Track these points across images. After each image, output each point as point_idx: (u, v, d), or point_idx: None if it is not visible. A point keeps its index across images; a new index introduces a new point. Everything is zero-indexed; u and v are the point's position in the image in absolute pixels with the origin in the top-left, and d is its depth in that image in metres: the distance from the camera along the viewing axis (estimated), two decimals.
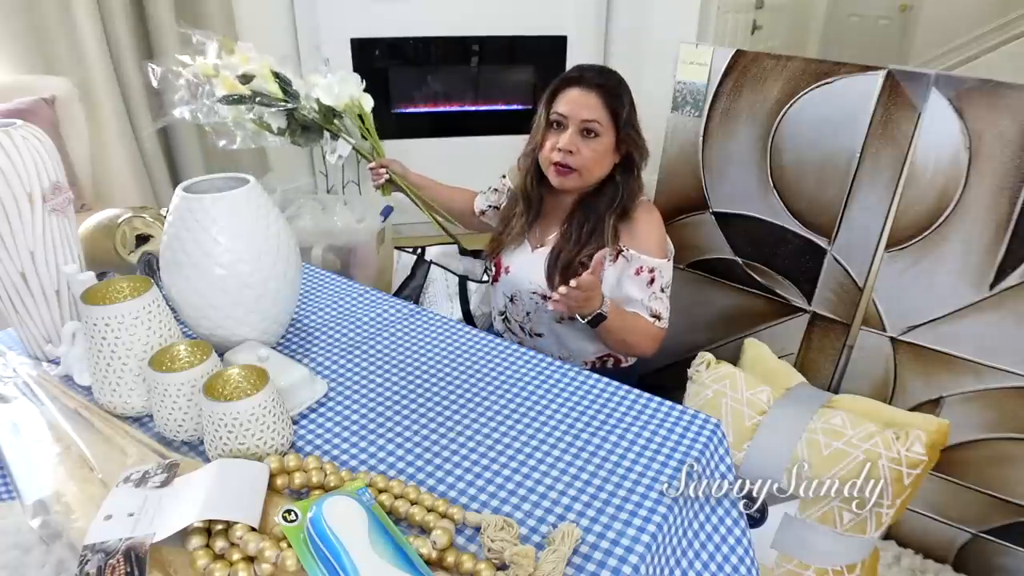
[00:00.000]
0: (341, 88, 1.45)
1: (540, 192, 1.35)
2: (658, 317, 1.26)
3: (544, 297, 1.32)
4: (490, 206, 1.55)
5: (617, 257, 1.26)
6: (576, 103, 1.23)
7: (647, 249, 1.25)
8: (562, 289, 1.09)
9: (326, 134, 1.51)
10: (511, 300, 1.40)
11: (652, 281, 1.25)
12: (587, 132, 1.23)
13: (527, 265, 1.35)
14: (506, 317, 1.43)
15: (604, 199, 1.27)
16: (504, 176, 1.51)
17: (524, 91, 3.30)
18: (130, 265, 1.19)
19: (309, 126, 1.47)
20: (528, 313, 1.38)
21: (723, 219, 1.54)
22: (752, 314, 1.57)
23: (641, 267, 1.24)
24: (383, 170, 1.52)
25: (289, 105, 1.39)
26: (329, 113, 1.48)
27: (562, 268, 1.27)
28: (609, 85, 1.24)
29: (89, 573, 0.63)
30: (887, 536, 1.52)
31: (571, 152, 1.22)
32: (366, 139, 1.57)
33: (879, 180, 1.30)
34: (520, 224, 1.36)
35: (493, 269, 1.42)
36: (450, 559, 0.69)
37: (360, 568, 0.63)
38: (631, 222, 1.27)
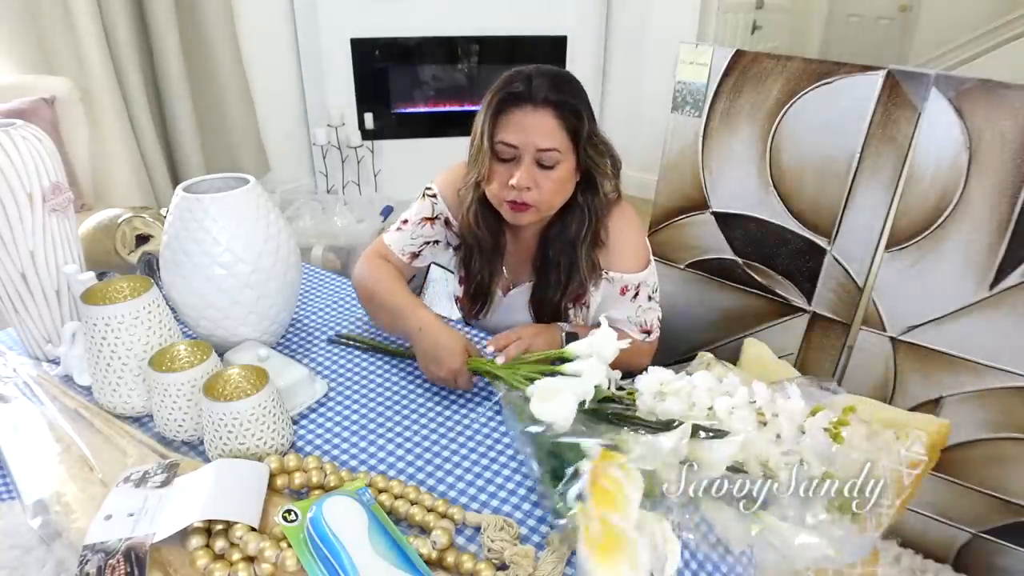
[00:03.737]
0: None
1: (494, 229, 1.13)
2: (648, 332, 1.16)
3: None
4: (426, 242, 1.17)
5: (599, 283, 1.13)
6: (528, 130, 0.99)
7: (627, 266, 1.12)
8: (499, 359, 0.97)
9: None
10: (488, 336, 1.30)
11: (637, 295, 1.13)
12: (544, 163, 1.01)
13: (501, 311, 1.21)
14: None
15: (572, 227, 1.09)
16: (434, 195, 1.16)
17: None
18: (130, 265, 1.19)
19: None
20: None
21: (723, 219, 1.54)
22: (752, 314, 1.57)
23: (625, 286, 1.12)
24: None
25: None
26: None
27: (551, 315, 1.15)
28: (564, 99, 1.00)
29: (89, 573, 0.63)
30: (887, 536, 1.52)
31: (528, 188, 1.01)
32: None
33: (879, 180, 1.30)
34: (485, 272, 1.16)
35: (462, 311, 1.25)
36: (450, 559, 0.69)
37: (360, 568, 0.63)
38: (606, 243, 1.11)
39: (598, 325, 0.98)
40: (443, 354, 0.95)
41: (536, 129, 0.99)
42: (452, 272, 1.31)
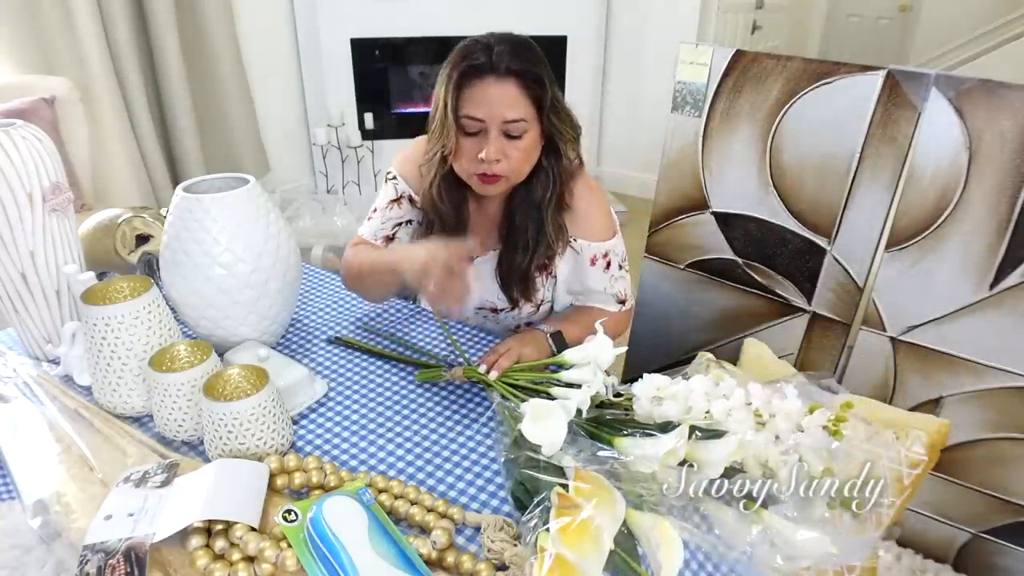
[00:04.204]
0: None
1: (458, 201, 1.13)
2: (623, 301, 1.20)
3: (492, 310, 1.22)
4: (397, 224, 1.19)
5: (565, 248, 1.14)
6: (494, 102, 0.99)
7: (595, 234, 1.14)
8: (492, 375, 0.95)
9: None
10: None
11: (608, 264, 1.16)
12: (511, 134, 1.01)
13: None
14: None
15: (537, 192, 1.09)
16: (395, 177, 1.19)
17: None
18: (130, 265, 1.19)
19: None
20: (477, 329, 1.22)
21: (723, 219, 1.54)
22: (752, 314, 1.57)
23: (595, 255, 1.15)
24: None
25: None
26: None
27: (519, 282, 1.15)
28: (527, 68, 0.99)
29: (89, 573, 0.63)
30: (887, 536, 1.52)
31: (498, 160, 1.01)
32: None
33: (879, 180, 1.30)
34: None
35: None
36: (450, 559, 0.69)
37: (360, 568, 0.63)
38: (572, 207, 1.12)
39: (574, 308, 1.01)
40: (424, 247, 0.94)
41: (501, 101, 0.99)
42: None
